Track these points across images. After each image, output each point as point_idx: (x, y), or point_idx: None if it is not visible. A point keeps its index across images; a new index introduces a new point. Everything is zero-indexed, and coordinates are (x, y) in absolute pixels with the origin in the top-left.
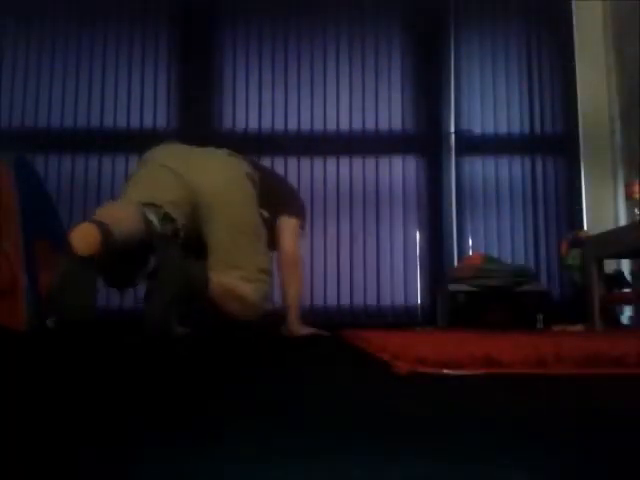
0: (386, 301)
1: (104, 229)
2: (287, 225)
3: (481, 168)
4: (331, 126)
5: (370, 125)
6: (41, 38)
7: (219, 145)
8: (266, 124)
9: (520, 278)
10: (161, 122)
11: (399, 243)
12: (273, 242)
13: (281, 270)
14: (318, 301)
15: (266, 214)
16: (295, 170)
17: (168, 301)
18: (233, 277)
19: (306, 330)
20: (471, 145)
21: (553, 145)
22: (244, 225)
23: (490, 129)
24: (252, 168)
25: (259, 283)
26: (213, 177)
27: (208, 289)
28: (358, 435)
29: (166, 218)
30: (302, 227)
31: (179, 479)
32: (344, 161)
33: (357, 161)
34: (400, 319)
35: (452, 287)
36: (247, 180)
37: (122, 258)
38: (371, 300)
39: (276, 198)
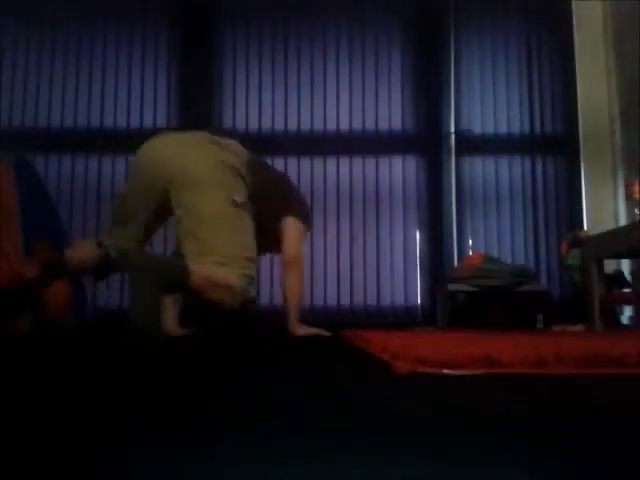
0: (386, 301)
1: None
2: (292, 226)
3: (481, 168)
4: (331, 126)
5: (370, 125)
6: (41, 38)
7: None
8: (266, 124)
9: (520, 278)
10: (161, 122)
11: (399, 243)
12: (277, 243)
13: (283, 270)
14: (318, 301)
15: (239, 199)
16: (295, 170)
17: (151, 298)
18: (208, 263)
19: (306, 330)
20: (471, 145)
21: (553, 145)
22: (210, 211)
23: (490, 129)
24: (242, 160)
25: (237, 268)
26: (180, 164)
27: (189, 279)
28: (358, 435)
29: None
30: (307, 230)
31: (179, 479)
32: (344, 161)
33: (357, 161)
34: (400, 319)
35: (452, 287)
36: (220, 167)
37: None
38: (371, 300)
39: (281, 198)
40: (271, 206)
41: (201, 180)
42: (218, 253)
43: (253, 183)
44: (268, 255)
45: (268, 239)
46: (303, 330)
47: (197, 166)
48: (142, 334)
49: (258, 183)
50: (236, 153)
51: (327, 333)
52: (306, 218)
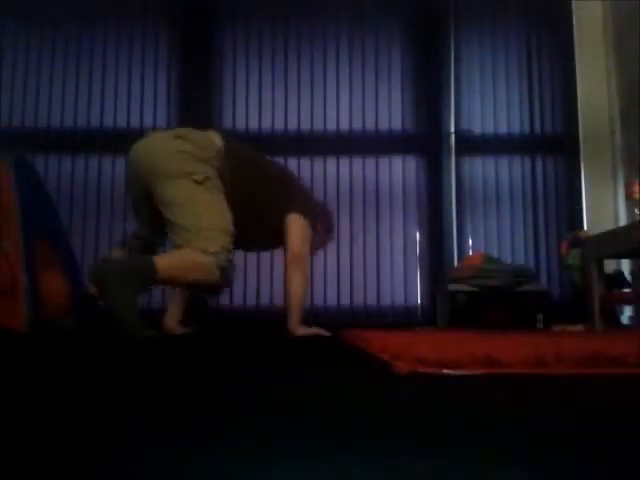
0: (386, 301)
1: None
2: (295, 224)
3: (481, 168)
4: (331, 126)
5: (370, 125)
6: (41, 38)
7: None
8: (266, 124)
9: (520, 278)
10: (161, 122)
11: (399, 243)
12: (281, 240)
13: (286, 269)
14: (318, 301)
15: (199, 178)
16: (295, 170)
17: (126, 298)
18: (183, 243)
19: (306, 330)
20: (471, 145)
21: (553, 145)
22: (175, 196)
23: (490, 129)
24: (212, 149)
25: (202, 241)
26: (147, 162)
27: (156, 273)
28: (358, 435)
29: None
30: (313, 226)
31: (179, 479)
32: (344, 161)
33: (357, 161)
34: (400, 319)
35: (452, 287)
36: (176, 157)
37: None
38: (371, 300)
39: (282, 194)
40: (271, 203)
41: (163, 172)
42: (188, 230)
43: (232, 172)
44: (268, 254)
45: (272, 236)
46: (303, 330)
47: (158, 160)
48: (125, 332)
49: (240, 173)
50: (200, 144)
51: (327, 333)
52: (309, 209)
